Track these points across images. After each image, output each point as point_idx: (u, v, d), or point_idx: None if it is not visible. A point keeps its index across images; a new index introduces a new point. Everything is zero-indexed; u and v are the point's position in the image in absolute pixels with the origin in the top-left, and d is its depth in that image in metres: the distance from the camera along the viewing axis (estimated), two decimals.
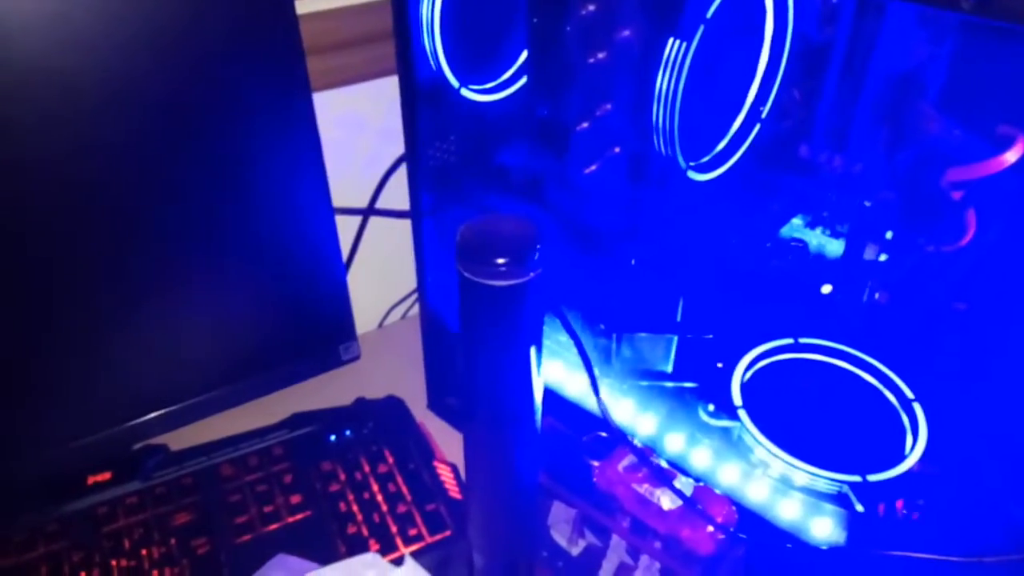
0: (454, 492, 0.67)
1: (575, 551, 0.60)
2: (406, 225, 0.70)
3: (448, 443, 0.72)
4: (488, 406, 0.45)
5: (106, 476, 0.68)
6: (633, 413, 0.58)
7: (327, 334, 0.77)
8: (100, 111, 0.57)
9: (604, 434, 0.57)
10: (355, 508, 0.65)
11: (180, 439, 0.72)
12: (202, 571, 0.60)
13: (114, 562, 0.61)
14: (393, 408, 0.75)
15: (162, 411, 0.71)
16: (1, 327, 0.60)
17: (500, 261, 0.38)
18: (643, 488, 0.53)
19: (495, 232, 0.39)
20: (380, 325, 0.93)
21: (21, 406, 0.65)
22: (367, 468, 0.69)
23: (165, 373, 0.70)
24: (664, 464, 0.54)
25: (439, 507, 0.65)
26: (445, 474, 0.68)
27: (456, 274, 0.40)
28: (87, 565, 0.61)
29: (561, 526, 0.60)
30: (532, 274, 0.39)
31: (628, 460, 0.55)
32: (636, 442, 0.55)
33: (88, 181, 0.59)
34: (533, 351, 0.42)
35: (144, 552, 0.62)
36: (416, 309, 0.92)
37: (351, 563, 0.57)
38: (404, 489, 0.67)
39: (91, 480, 0.67)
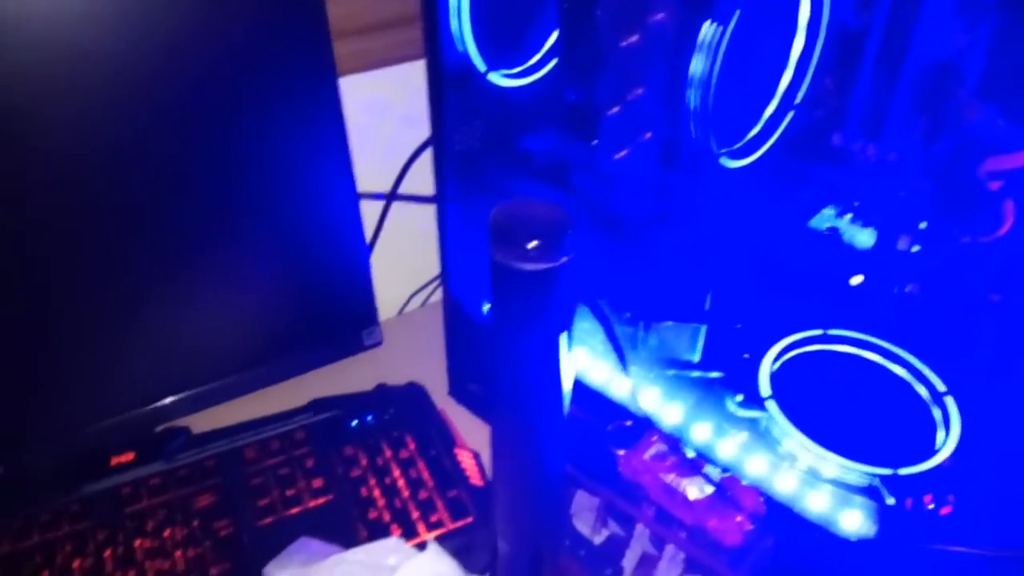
0: (476, 479, 0.67)
1: (598, 540, 0.59)
2: (427, 212, 0.70)
3: (469, 430, 0.72)
4: (516, 393, 0.44)
5: (129, 457, 0.68)
6: (659, 402, 0.57)
7: (349, 319, 0.77)
8: (126, 96, 0.57)
9: (629, 422, 0.56)
10: (377, 493, 0.65)
11: (202, 422, 0.72)
12: (224, 552, 0.61)
13: (137, 542, 0.61)
14: (414, 395, 0.75)
15: (184, 394, 0.71)
16: (27, 308, 0.61)
17: (532, 244, 0.37)
18: (669, 477, 0.53)
19: (527, 215, 0.39)
20: (401, 312, 0.93)
21: (45, 387, 0.65)
22: (388, 454, 0.69)
23: (188, 356, 0.70)
24: (691, 454, 0.54)
25: (461, 494, 0.65)
26: (467, 461, 0.68)
27: (486, 258, 0.39)
28: (111, 544, 0.61)
29: (584, 515, 0.59)
30: (564, 258, 0.38)
31: (654, 449, 0.54)
32: (662, 431, 0.54)
33: (114, 164, 0.59)
34: (564, 337, 0.42)
35: (167, 533, 0.62)
36: (437, 296, 0.92)
37: (374, 547, 0.57)
38: (426, 475, 0.67)
39: (114, 461, 0.68)
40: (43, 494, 0.65)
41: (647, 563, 0.56)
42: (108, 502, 0.64)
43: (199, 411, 0.72)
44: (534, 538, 0.52)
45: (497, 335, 0.42)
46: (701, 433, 0.55)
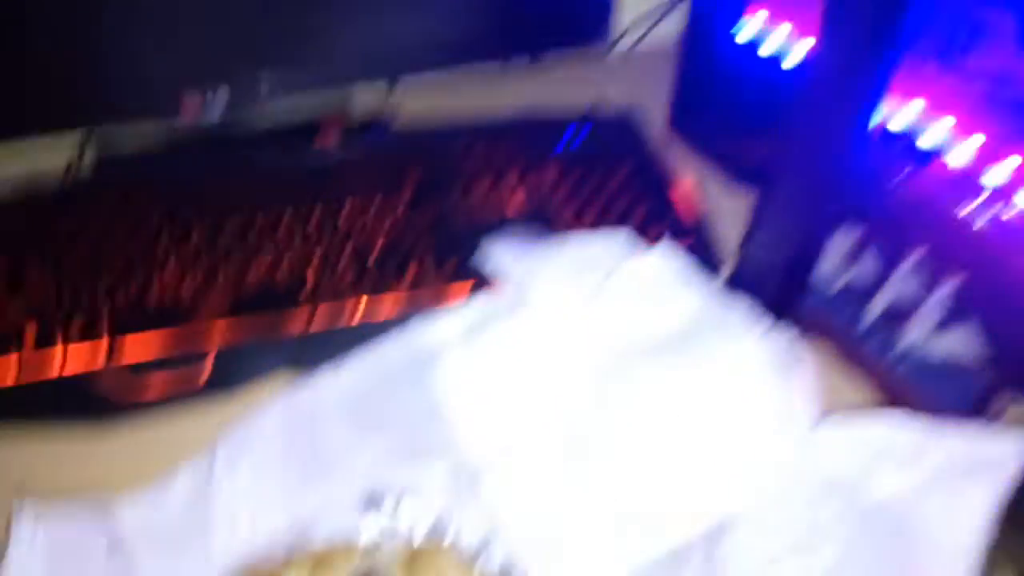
0: (691, 215, 0.61)
1: (839, 284, 0.53)
2: None
3: (687, 167, 0.66)
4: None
5: (330, 140, 0.66)
6: (956, 134, 0.49)
7: (580, 18, 0.69)
8: None
9: (917, 145, 0.48)
10: (584, 215, 0.60)
11: (406, 114, 0.69)
12: (423, 243, 0.58)
13: (341, 222, 0.59)
14: (633, 119, 0.69)
15: (391, 80, 0.68)
16: None
17: None
18: (959, 207, 0.45)
19: None
20: (630, 28, 0.81)
21: (252, 61, 0.63)
22: (600, 176, 0.63)
23: (402, 39, 0.65)
24: (995, 184, 0.45)
25: (676, 223, 0.60)
26: (683, 195, 0.62)
27: None
28: (317, 215, 0.59)
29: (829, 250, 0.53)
30: None
31: (944, 174, 0.46)
32: (956, 157, 0.46)
33: None
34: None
35: (366, 219, 0.59)
36: (669, 23, 0.81)
37: (602, 236, 0.52)
38: (638, 203, 0.61)
39: (317, 143, 0.66)
40: (248, 166, 0.64)
41: (899, 309, 0.50)
42: (310, 178, 0.63)
43: (404, 99, 0.69)
44: (798, 252, 0.46)
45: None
46: (1007, 167, 0.47)
